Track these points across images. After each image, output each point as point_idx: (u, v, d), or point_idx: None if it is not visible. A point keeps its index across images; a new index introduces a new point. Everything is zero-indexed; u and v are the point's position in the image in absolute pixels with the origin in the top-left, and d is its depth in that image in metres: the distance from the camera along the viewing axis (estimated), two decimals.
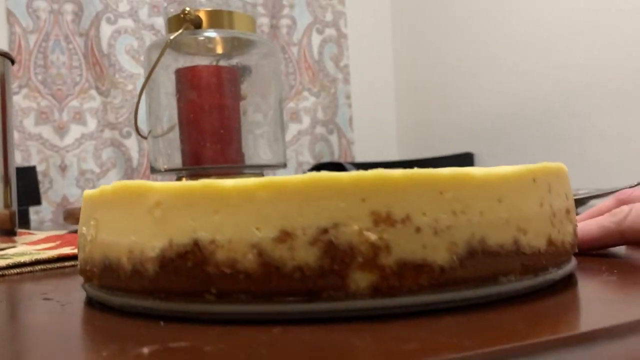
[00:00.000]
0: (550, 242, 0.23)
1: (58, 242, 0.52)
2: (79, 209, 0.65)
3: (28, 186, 1.24)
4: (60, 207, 1.46)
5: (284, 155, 0.76)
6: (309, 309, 0.20)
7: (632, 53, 1.16)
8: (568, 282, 0.25)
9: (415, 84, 1.78)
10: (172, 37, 0.67)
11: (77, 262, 0.26)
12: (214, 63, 0.76)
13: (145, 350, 0.17)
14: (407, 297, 0.20)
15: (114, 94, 1.52)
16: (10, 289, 0.32)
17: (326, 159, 1.73)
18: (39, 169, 1.44)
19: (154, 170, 0.73)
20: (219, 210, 0.20)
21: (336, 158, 1.74)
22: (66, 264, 0.40)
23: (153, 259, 0.21)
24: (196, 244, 0.20)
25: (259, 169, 0.73)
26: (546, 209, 0.23)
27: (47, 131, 1.47)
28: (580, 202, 0.66)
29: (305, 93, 1.73)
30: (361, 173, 0.20)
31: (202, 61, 0.76)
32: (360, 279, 0.20)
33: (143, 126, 0.74)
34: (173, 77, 0.72)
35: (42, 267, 0.40)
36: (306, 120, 1.72)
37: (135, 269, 0.21)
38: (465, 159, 1.50)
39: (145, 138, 0.76)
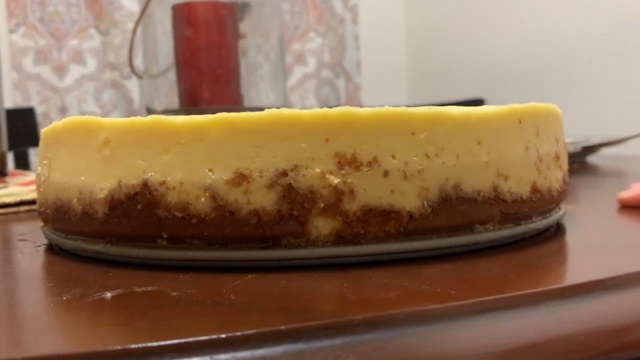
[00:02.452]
0: (534, 189, 0.21)
1: None
2: None
3: (27, 127, 1.23)
4: None
5: (285, 97, 0.74)
6: (267, 256, 0.18)
7: None
8: (557, 233, 0.23)
9: (427, 26, 1.72)
10: None
11: None
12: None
13: (108, 294, 0.16)
14: (373, 245, 0.18)
15: (114, 34, 1.49)
16: None
17: (332, 104, 1.70)
18: (39, 110, 1.42)
19: (150, 111, 0.71)
20: (169, 149, 0.18)
21: (343, 103, 1.70)
22: None
23: (102, 200, 0.19)
24: (146, 185, 0.19)
25: (259, 111, 0.71)
26: (532, 153, 0.21)
27: (46, 71, 1.45)
28: (590, 149, 0.64)
29: (312, 34, 1.68)
30: (325, 110, 0.18)
31: None
32: (322, 226, 0.18)
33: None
34: (170, 13, 0.69)
35: (28, 207, 0.39)
36: (312, 63, 1.68)
37: (85, 211, 0.20)
38: (476, 105, 1.46)
39: (141, 77, 0.74)
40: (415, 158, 0.18)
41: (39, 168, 0.24)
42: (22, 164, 1.25)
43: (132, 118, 0.19)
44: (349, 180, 0.18)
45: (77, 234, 0.21)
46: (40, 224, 0.24)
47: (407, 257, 0.19)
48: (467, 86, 1.51)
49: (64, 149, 0.21)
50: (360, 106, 1.31)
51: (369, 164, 0.18)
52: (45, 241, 0.25)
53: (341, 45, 1.72)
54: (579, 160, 0.63)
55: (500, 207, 0.20)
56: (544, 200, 0.22)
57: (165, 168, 0.18)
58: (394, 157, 0.18)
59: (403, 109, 0.19)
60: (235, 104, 0.69)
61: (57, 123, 0.22)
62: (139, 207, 0.19)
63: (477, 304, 0.15)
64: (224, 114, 0.18)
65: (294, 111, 0.18)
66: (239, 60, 0.70)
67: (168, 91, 0.71)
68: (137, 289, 0.17)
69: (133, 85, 1.52)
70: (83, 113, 1.48)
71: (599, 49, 1.20)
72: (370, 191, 0.18)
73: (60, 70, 1.45)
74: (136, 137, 0.19)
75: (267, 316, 0.14)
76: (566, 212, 0.26)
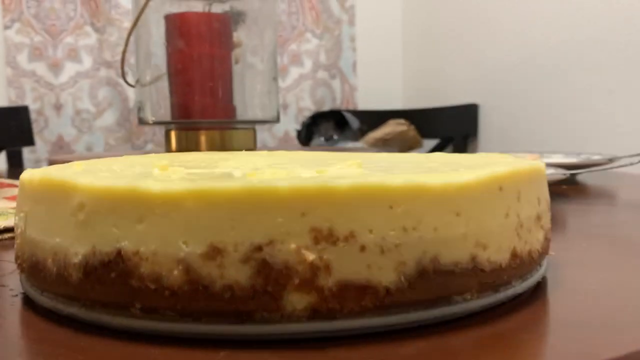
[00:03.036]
0: (514, 255, 0.21)
1: None
2: (64, 159, 0.63)
3: (21, 126, 1.22)
4: (56, 146, 1.45)
5: (278, 109, 0.73)
6: (240, 331, 0.18)
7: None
8: (536, 292, 0.23)
9: (424, 29, 1.72)
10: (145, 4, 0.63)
11: None
12: (207, 7, 0.72)
13: None
14: (349, 320, 0.18)
15: (110, 31, 1.48)
16: None
17: (327, 105, 1.69)
18: (33, 107, 1.42)
19: (141, 121, 0.70)
20: (143, 218, 0.18)
21: (338, 104, 1.70)
22: None
23: (76, 265, 0.19)
24: (119, 254, 0.18)
25: (251, 124, 0.70)
26: (512, 219, 0.21)
27: (41, 68, 1.44)
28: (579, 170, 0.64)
29: (308, 35, 1.68)
30: (302, 184, 0.18)
31: (194, 5, 0.72)
32: (297, 301, 0.18)
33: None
34: (163, 22, 0.69)
35: (11, 235, 0.39)
36: (308, 64, 1.68)
37: (60, 273, 0.20)
38: (470, 110, 1.46)
39: (133, 86, 0.73)
40: (392, 232, 0.18)
41: (16, 217, 0.23)
42: (16, 163, 1.25)
43: (108, 183, 0.19)
44: (325, 256, 0.18)
45: (52, 293, 0.21)
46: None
47: (382, 331, 0.19)
48: (462, 91, 1.50)
49: (39, 205, 0.21)
50: (356, 108, 1.31)
51: (346, 238, 0.18)
52: (22, 289, 0.25)
53: (337, 46, 1.72)
54: (569, 180, 0.63)
55: (478, 277, 0.20)
56: (524, 265, 0.22)
57: (139, 238, 0.18)
58: (371, 231, 0.18)
59: (380, 182, 0.18)
60: (228, 116, 0.68)
61: (35, 175, 0.22)
62: (112, 275, 0.19)
63: None
64: (202, 186, 0.18)
65: (271, 184, 0.18)
66: (232, 72, 0.70)
67: (161, 100, 0.71)
68: None
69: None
70: (78, 111, 1.47)
71: (593, 57, 1.20)
72: (347, 266, 0.18)
73: (55, 67, 1.44)
74: (111, 204, 0.19)
75: None
76: (548, 264, 0.26)
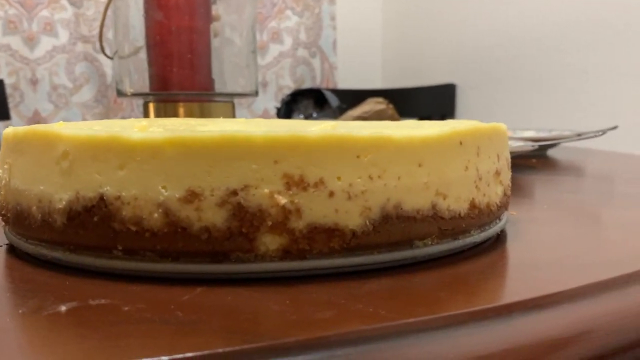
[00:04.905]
0: (473, 206, 0.23)
1: None
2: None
3: None
4: (31, 121, 1.43)
5: (256, 83, 0.74)
6: (217, 269, 0.19)
7: None
8: (496, 244, 0.25)
9: (403, 9, 1.73)
10: None
11: None
12: None
13: (63, 308, 0.17)
14: (318, 260, 0.20)
15: (87, 5, 1.46)
16: None
17: (307, 84, 1.70)
18: (8, 81, 1.40)
19: (120, 93, 0.70)
20: (124, 165, 0.19)
21: (318, 83, 1.71)
22: None
23: (60, 210, 0.20)
24: (102, 198, 0.20)
25: (229, 97, 0.71)
26: (471, 172, 0.22)
27: (16, 42, 1.42)
28: (549, 145, 0.66)
29: (288, 12, 1.67)
30: (275, 134, 0.19)
31: None
32: (270, 242, 0.19)
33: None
34: None
35: None
36: (288, 42, 1.68)
37: (45, 219, 0.21)
38: (448, 90, 1.48)
39: (111, 58, 0.73)
40: (359, 180, 0.20)
41: (0, 171, 0.24)
42: None
43: (91, 132, 0.20)
44: (296, 200, 0.19)
45: (36, 239, 0.22)
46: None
47: (350, 271, 0.20)
48: (440, 71, 1.52)
49: (24, 156, 0.22)
50: (336, 87, 1.31)
51: (316, 185, 0.19)
52: (6, 240, 0.26)
53: (317, 24, 1.72)
54: (539, 154, 0.65)
55: (438, 223, 0.21)
56: (483, 216, 0.23)
57: (121, 183, 0.19)
58: (339, 178, 0.20)
59: (349, 133, 0.20)
60: (206, 89, 0.69)
61: (18, 129, 0.23)
62: (95, 219, 0.20)
63: (403, 325, 0.16)
64: (180, 134, 0.19)
65: (246, 133, 0.19)
66: (210, 45, 0.70)
67: (139, 73, 0.71)
68: (92, 302, 0.18)
69: (106, 59, 1.50)
70: (55, 86, 1.45)
71: (570, 38, 1.23)
72: (316, 210, 0.19)
73: (31, 41, 1.42)
74: (93, 151, 0.20)
75: (209, 337, 0.15)
76: (508, 221, 0.28)
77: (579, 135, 0.66)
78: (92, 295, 0.18)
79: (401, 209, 0.20)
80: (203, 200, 0.19)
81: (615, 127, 0.65)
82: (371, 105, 1.32)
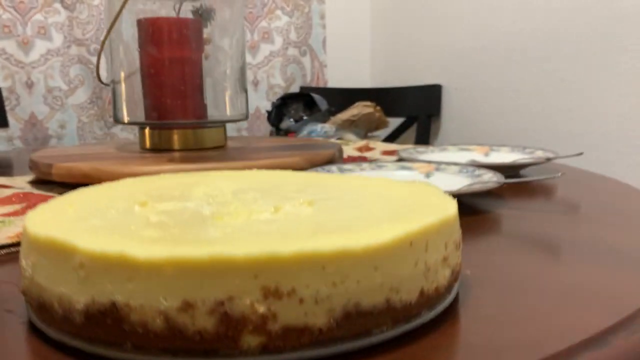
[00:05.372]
0: (422, 294, 0.27)
1: (23, 205, 0.55)
2: (44, 158, 0.67)
3: None
4: (28, 124, 1.47)
5: (247, 107, 0.78)
6: None
7: (599, 2, 1.16)
8: (446, 316, 0.29)
9: (392, 9, 1.75)
10: (122, 6, 0.66)
11: None
12: (177, 5, 0.76)
13: None
14: (291, 353, 0.24)
15: (80, 9, 1.48)
16: None
17: (298, 82, 1.73)
18: (4, 85, 1.42)
19: (117, 120, 0.74)
20: (132, 279, 0.24)
21: (308, 81, 1.74)
22: None
23: (79, 311, 0.25)
24: (114, 305, 0.24)
25: (221, 124, 0.75)
26: (420, 267, 0.27)
27: (10, 46, 1.44)
28: (518, 167, 0.71)
29: (278, 12, 1.70)
30: (254, 252, 0.24)
31: (164, 4, 0.75)
32: (251, 341, 0.24)
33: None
34: (134, 20, 0.72)
35: (7, 251, 0.43)
36: (278, 41, 1.70)
37: (65, 315, 0.25)
38: (434, 90, 1.51)
39: (108, 85, 0.77)
40: (324, 287, 0.24)
41: (23, 261, 0.28)
42: None
43: (103, 248, 0.24)
44: (272, 308, 0.24)
45: (58, 328, 0.26)
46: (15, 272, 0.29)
47: None
48: (427, 72, 1.56)
49: (45, 259, 0.26)
50: (326, 84, 1.36)
51: (288, 294, 0.24)
52: (26, 314, 0.30)
53: (307, 23, 1.74)
54: (512, 174, 0.69)
55: (392, 314, 0.26)
56: (432, 299, 0.28)
57: (129, 294, 0.24)
58: (307, 287, 0.24)
59: (315, 249, 0.24)
60: (199, 116, 0.73)
61: (38, 233, 0.27)
62: (108, 321, 0.24)
63: None
64: (176, 254, 0.23)
65: (230, 254, 0.23)
66: (202, 73, 0.74)
67: (134, 101, 0.75)
68: None
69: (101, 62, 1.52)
70: (50, 89, 1.48)
71: (553, 47, 1.26)
72: (289, 315, 0.24)
73: (25, 45, 1.45)
74: (105, 266, 0.24)
75: None
76: (462, 283, 0.33)
77: (548, 159, 0.71)
78: None
79: (360, 306, 0.25)
80: (196, 309, 0.23)
81: (580, 154, 0.70)
82: (359, 108, 1.35)
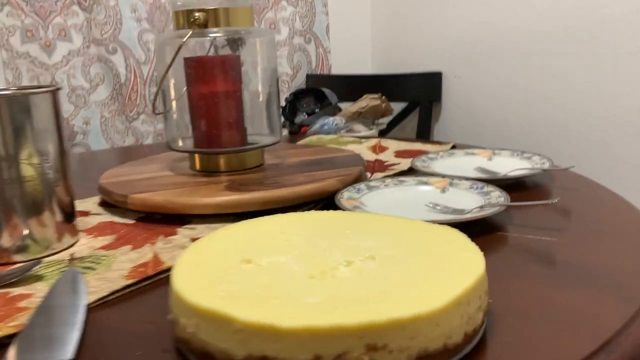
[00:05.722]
0: (465, 335, 0.39)
1: (115, 237, 0.66)
2: (113, 186, 0.78)
3: None
4: None
5: (280, 127, 0.88)
6: None
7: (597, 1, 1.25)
8: (479, 345, 0.41)
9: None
10: (184, 41, 0.76)
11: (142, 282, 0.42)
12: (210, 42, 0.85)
13: None
14: None
15: (97, 10, 1.56)
16: (100, 327, 0.47)
17: (304, 69, 1.82)
18: None
19: (170, 147, 0.85)
20: (278, 341, 0.36)
21: (313, 68, 1.83)
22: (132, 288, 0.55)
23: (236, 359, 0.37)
24: (265, 357, 0.36)
25: (260, 149, 0.86)
26: (465, 318, 0.39)
27: (34, 49, 1.52)
28: (510, 180, 0.82)
29: (283, 3, 1.77)
30: (362, 321, 0.35)
31: (200, 40, 0.85)
32: None
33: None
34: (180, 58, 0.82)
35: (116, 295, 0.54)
36: (284, 31, 1.79)
37: None
38: (435, 77, 1.61)
39: (162, 114, 0.87)
40: (405, 341, 0.36)
41: (183, 319, 0.40)
42: None
43: (256, 319, 0.36)
44: (372, 357, 0.36)
45: None
46: (139, 318, 0.41)
47: None
48: (428, 59, 1.65)
49: (207, 323, 0.38)
50: (330, 70, 1.49)
51: (382, 347, 0.36)
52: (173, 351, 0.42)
53: (311, 11, 1.82)
54: (510, 182, 0.81)
55: (446, 353, 0.38)
56: (471, 337, 0.40)
57: (276, 351, 0.36)
58: (394, 342, 0.36)
59: (400, 317, 0.36)
60: (242, 142, 0.84)
61: (199, 303, 0.39)
62: None
63: None
64: (308, 325, 0.35)
65: (346, 323, 0.35)
66: (242, 102, 0.84)
67: (184, 132, 0.86)
68: None
69: (119, 60, 1.61)
70: (73, 88, 1.57)
71: (555, 38, 1.36)
72: None
73: (48, 47, 1.52)
74: (259, 331, 0.36)
75: None
76: (489, 312, 0.45)
77: (545, 171, 0.83)
78: None
79: (427, 351, 0.37)
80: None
81: (572, 166, 0.81)
82: (367, 101, 1.46)
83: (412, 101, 1.64)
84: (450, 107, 1.60)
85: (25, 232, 0.61)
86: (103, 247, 0.64)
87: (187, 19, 0.78)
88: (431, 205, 0.71)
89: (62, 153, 0.64)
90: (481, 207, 0.67)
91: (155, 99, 0.81)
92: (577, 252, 0.58)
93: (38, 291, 0.53)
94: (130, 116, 1.63)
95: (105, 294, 0.52)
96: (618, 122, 1.25)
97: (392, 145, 1.14)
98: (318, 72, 1.81)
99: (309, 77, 1.81)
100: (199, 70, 0.80)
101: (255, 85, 0.87)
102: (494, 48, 1.47)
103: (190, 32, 0.76)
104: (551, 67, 1.35)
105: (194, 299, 0.39)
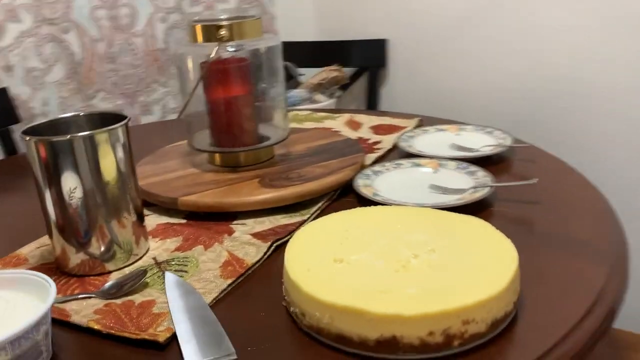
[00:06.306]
0: (505, 313, 0.56)
1: (182, 239, 0.77)
2: (155, 187, 0.87)
3: (3, 107, 1.33)
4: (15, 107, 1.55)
5: (288, 130, 1.00)
6: None
7: None
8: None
9: None
10: (212, 57, 0.85)
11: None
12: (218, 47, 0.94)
13: None
14: (451, 350, 0.53)
15: None
16: None
17: None
18: None
19: (191, 147, 0.95)
20: (402, 324, 0.51)
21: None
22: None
23: (372, 340, 0.52)
24: (394, 337, 0.51)
25: (270, 146, 0.97)
26: (512, 292, 0.56)
27: None
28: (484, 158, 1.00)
29: None
30: (438, 309, 0.51)
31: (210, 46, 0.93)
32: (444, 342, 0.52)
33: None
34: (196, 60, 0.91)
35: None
36: (233, 1, 1.83)
37: (361, 342, 0.52)
38: (380, 44, 1.75)
39: (181, 118, 0.95)
40: (463, 325, 0.53)
41: (317, 313, 0.54)
42: (6, 144, 1.38)
43: (384, 311, 0.51)
44: (447, 334, 0.52)
45: (355, 348, 0.53)
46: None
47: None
48: (373, 26, 1.78)
49: (343, 315, 0.53)
50: (275, 34, 1.62)
51: (451, 328, 0.52)
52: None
53: None
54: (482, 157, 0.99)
55: (493, 325, 0.55)
56: (510, 313, 0.57)
57: (400, 331, 0.51)
58: (458, 325, 0.53)
59: (463, 305, 0.52)
60: (254, 141, 0.95)
61: (336, 302, 0.53)
62: (391, 344, 0.52)
63: None
64: (426, 312, 0.51)
65: (429, 311, 0.51)
66: (254, 106, 0.94)
67: (202, 130, 0.96)
68: None
69: (72, 38, 1.61)
70: (29, 70, 1.56)
71: (496, 9, 1.53)
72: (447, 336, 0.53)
73: None
74: (387, 319, 0.51)
75: None
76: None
77: (508, 146, 1.01)
78: None
79: (497, 318, 0.54)
80: (400, 341, 0.51)
81: (532, 144, 1.01)
82: (327, 73, 1.59)
83: (360, 67, 1.78)
84: (396, 73, 1.76)
85: (110, 237, 0.69)
86: (177, 250, 0.75)
87: (210, 34, 0.86)
88: (433, 187, 0.87)
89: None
90: (474, 187, 0.85)
91: (185, 106, 0.90)
92: (552, 220, 0.77)
93: (156, 297, 0.64)
94: (89, 94, 1.65)
95: (216, 293, 0.64)
96: (553, 88, 1.47)
97: (364, 120, 1.28)
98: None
99: None
100: (213, 74, 0.89)
101: (263, 87, 0.97)
102: (437, 15, 1.63)
103: (216, 49, 0.85)
104: (493, 35, 1.53)
105: (329, 298, 0.54)
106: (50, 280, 0.55)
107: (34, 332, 0.50)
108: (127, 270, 0.71)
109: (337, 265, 0.60)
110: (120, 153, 0.68)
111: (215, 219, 0.82)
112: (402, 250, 0.62)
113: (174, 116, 1.83)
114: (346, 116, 1.31)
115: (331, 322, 0.54)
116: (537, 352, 0.52)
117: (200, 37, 0.89)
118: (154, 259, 0.73)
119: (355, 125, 1.25)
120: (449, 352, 0.52)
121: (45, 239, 0.80)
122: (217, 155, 0.95)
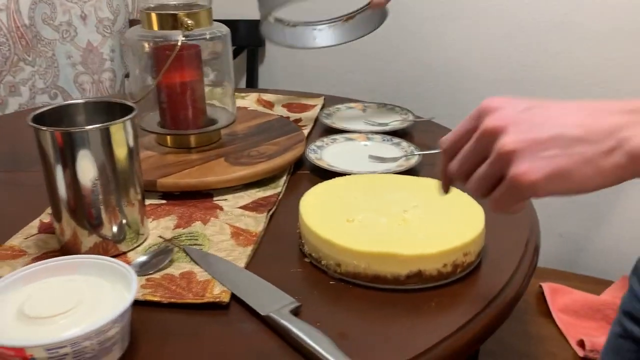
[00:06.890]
0: (477, 255, 0.76)
1: (175, 217, 0.82)
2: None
3: None
4: None
5: (235, 107, 1.08)
6: None
7: None
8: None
9: None
10: (179, 44, 0.90)
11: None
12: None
13: None
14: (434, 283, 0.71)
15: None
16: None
17: (123, 14, 1.85)
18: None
19: (142, 129, 0.99)
20: (423, 261, 0.67)
21: (136, 14, 1.87)
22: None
23: (402, 275, 0.67)
24: (419, 271, 0.67)
25: (218, 130, 1.04)
26: (478, 248, 0.75)
27: None
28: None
29: None
30: (450, 247, 0.69)
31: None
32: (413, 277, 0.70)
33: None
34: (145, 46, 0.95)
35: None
36: None
37: (394, 278, 0.67)
38: (257, 24, 1.84)
39: (134, 102, 0.98)
40: (442, 266, 0.71)
41: (355, 261, 0.68)
42: None
43: (383, 250, 0.67)
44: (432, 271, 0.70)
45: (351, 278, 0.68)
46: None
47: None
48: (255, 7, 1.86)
49: (369, 260, 0.67)
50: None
51: (431, 268, 0.70)
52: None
53: None
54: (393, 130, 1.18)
55: (465, 265, 0.74)
56: (478, 256, 0.77)
57: (398, 269, 0.67)
58: (440, 265, 0.71)
59: (440, 250, 0.70)
60: (203, 124, 1.02)
61: (362, 249, 0.67)
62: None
63: None
64: (413, 253, 0.67)
65: (421, 252, 0.68)
66: (204, 90, 1.01)
67: (152, 114, 1.00)
68: None
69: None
70: None
71: None
72: (431, 271, 0.71)
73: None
74: (385, 257, 0.67)
75: None
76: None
77: (414, 121, 1.21)
78: None
79: (472, 260, 0.72)
80: (424, 273, 0.68)
81: (433, 118, 1.22)
82: None
83: (240, 45, 1.86)
84: (272, 51, 1.88)
85: (120, 218, 0.72)
86: (178, 227, 0.81)
87: (165, 22, 0.92)
88: (372, 157, 1.03)
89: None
90: (405, 156, 1.03)
91: (145, 95, 0.94)
92: None
93: (191, 268, 0.71)
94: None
95: (246, 258, 0.73)
96: (434, 65, 1.70)
97: (273, 99, 1.39)
98: (138, 18, 1.86)
99: (131, 22, 1.85)
100: (165, 59, 0.94)
101: (215, 72, 1.04)
102: None
103: (181, 36, 0.91)
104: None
105: (366, 248, 0.67)
106: (129, 268, 0.59)
107: (121, 320, 0.54)
108: (139, 250, 0.76)
109: (351, 224, 0.73)
110: (130, 138, 0.73)
111: (192, 197, 0.89)
112: (393, 208, 0.77)
113: (43, 97, 1.74)
114: (254, 95, 1.41)
115: (368, 267, 0.68)
116: (509, 271, 0.72)
117: (155, 25, 0.93)
118: (160, 236, 0.79)
119: (267, 104, 1.35)
120: (455, 277, 0.70)
121: (28, 229, 0.80)
122: (168, 138, 1.00)
